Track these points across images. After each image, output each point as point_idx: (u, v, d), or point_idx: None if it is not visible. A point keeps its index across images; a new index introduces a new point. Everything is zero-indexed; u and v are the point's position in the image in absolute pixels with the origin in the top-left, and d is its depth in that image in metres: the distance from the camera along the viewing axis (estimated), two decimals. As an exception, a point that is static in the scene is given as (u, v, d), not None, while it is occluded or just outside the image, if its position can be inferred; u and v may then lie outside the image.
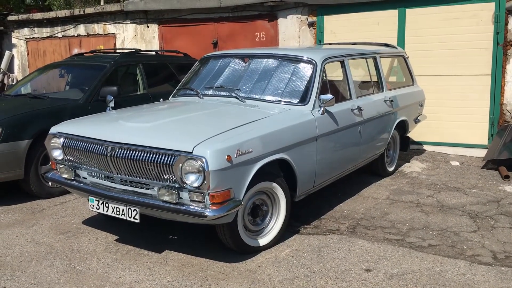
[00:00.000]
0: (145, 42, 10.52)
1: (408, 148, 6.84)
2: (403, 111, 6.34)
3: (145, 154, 3.66)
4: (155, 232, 4.53)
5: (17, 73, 12.49)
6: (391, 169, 6.49)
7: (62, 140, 4.21)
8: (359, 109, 5.19)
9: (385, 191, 5.74)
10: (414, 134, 7.54)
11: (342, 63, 5.25)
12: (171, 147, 3.57)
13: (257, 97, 4.71)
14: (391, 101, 5.93)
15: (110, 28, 10.96)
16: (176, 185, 3.60)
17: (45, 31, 11.84)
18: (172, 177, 3.59)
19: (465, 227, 4.59)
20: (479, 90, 7.49)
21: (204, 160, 3.41)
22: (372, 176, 6.29)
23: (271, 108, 4.51)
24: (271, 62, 4.99)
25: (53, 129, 4.37)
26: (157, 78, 7.37)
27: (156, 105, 5.10)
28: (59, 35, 11.64)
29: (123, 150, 3.76)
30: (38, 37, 11.98)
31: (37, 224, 4.83)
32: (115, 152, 3.80)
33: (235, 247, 3.95)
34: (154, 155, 3.62)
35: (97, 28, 11.11)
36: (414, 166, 6.87)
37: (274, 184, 4.08)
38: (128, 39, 10.76)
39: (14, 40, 12.38)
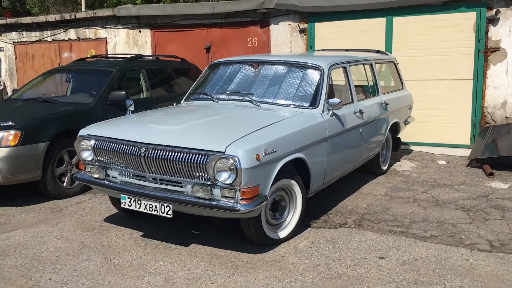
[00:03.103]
0: (137, 47, 10.74)
1: (399, 148, 7.30)
2: (396, 114, 6.80)
3: (179, 154, 3.97)
4: (176, 228, 4.81)
5: (4, 77, 12.51)
6: (384, 168, 6.93)
7: (93, 142, 4.48)
8: (361, 112, 5.60)
9: (382, 188, 6.16)
10: (402, 135, 8.00)
11: (345, 69, 5.65)
12: (205, 147, 3.89)
13: (270, 101, 5.06)
14: (386, 104, 6.37)
15: (102, 32, 11.12)
16: (208, 182, 3.92)
17: (34, 35, 11.90)
18: (204, 175, 3.91)
19: (461, 219, 5.04)
20: (462, 94, 8.02)
21: (236, 159, 3.75)
22: (367, 174, 6.72)
23: (284, 111, 4.87)
24: (281, 68, 5.35)
25: (83, 132, 4.62)
26: (158, 82, 7.65)
27: (175, 108, 5.41)
28: (49, 39, 11.73)
29: (156, 151, 4.06)
30: (26, 41, 12.03)
31: (61, 222, 5.06)
32: (148, 153, 4.09)
33: (258, 239, 4.29)
34: (188, 155, 3.94)
35: (88, 32, 11.26)
36: (404, 165, 7.33)
37: (292, 181, 4.45)
38: (120, 43, 10.95)
39: (1, 44, 12.40)
